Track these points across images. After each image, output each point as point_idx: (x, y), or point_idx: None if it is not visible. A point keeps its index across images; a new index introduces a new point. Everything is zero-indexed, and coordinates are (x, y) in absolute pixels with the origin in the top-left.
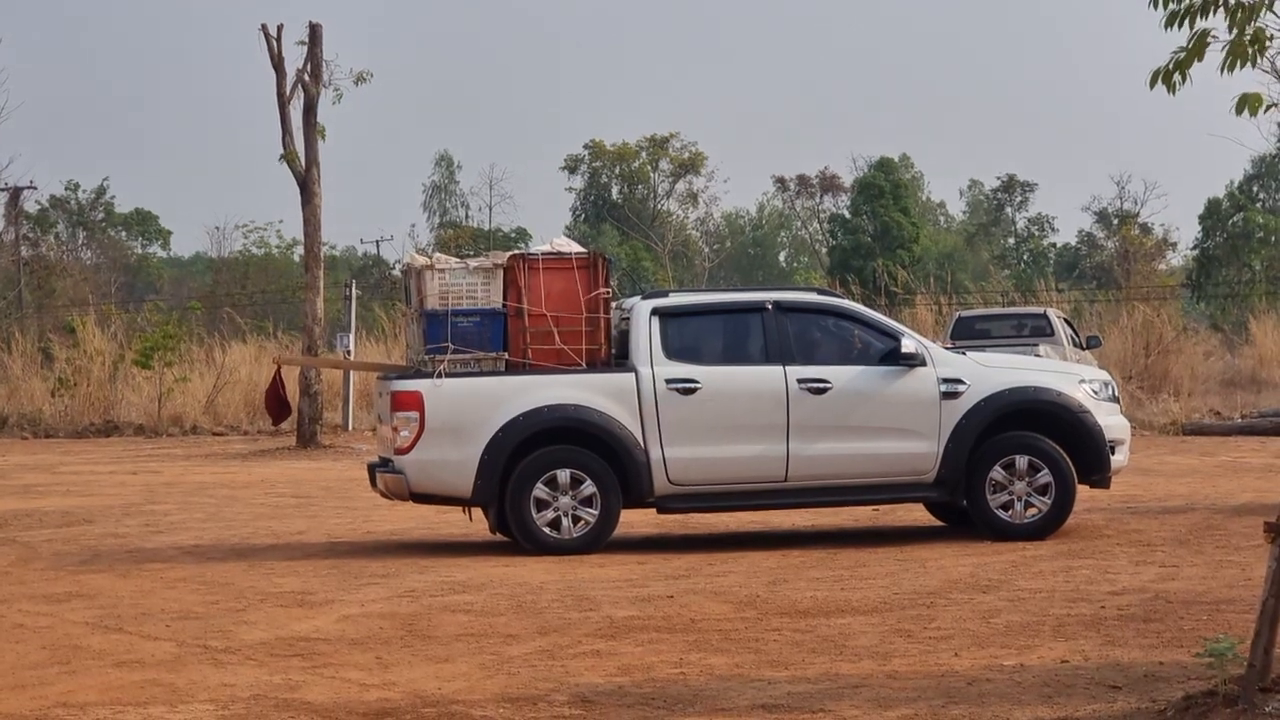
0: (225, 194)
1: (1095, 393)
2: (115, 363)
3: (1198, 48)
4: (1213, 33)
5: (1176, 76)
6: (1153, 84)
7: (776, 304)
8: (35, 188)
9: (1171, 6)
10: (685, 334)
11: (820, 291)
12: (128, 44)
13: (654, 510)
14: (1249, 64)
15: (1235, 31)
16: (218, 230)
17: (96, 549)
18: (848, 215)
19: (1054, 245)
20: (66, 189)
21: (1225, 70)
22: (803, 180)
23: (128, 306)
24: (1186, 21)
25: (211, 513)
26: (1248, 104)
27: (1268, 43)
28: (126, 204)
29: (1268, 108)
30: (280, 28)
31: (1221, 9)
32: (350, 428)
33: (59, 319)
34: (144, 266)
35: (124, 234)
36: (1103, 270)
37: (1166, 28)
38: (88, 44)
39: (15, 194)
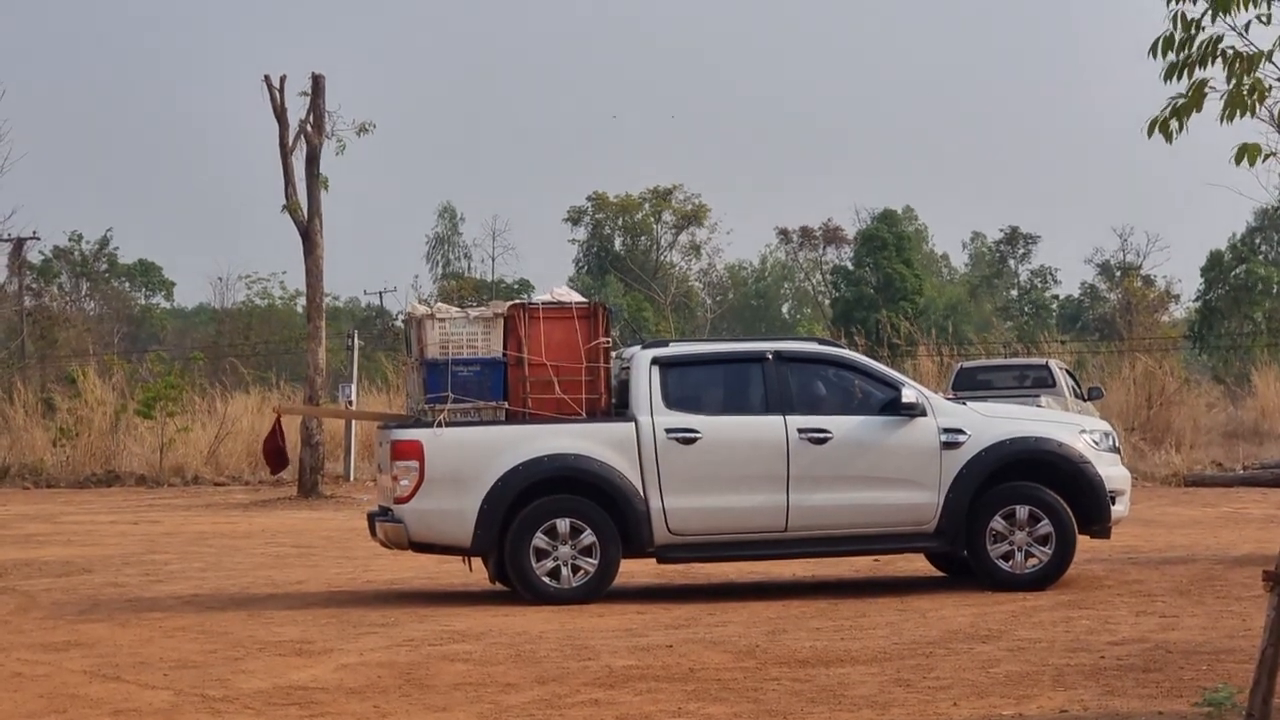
0: (228, 245)
1: (1096, 443)
2: (117, 413)
3: (1196, 98)
4: (1211, 83)
5: (1174, 124)
6: (1150, 132)
7: (777, 354)
8: (39, 238)
9: (1171, 58)
10: (685, 384)
11: (820, 341)
12: (130, 95)
13: (654, 560)
14: (1248, 114)
15: (1234, 82)
16: (221, 281)
17: (96, 598)
18: (850, 267)
19: (1056, 297)
20: (70, 240)
21: (1224, 120)
22: (805, 232)
23: (131, 357)
24: (1185, 72)
25: (211, 562)
26: (1247, 154)
27: (1266, 93)
28: (130, 255)
29: (1266, 157)
30: (283, 79)
31: (1220, 59)
32: (352, 478)
33: (61, 369)
34: (147, 317)
35: (127, 285)
36: (1105, 322)
37: (1166, 79)
38: (90, 95)
39: (19, 245)
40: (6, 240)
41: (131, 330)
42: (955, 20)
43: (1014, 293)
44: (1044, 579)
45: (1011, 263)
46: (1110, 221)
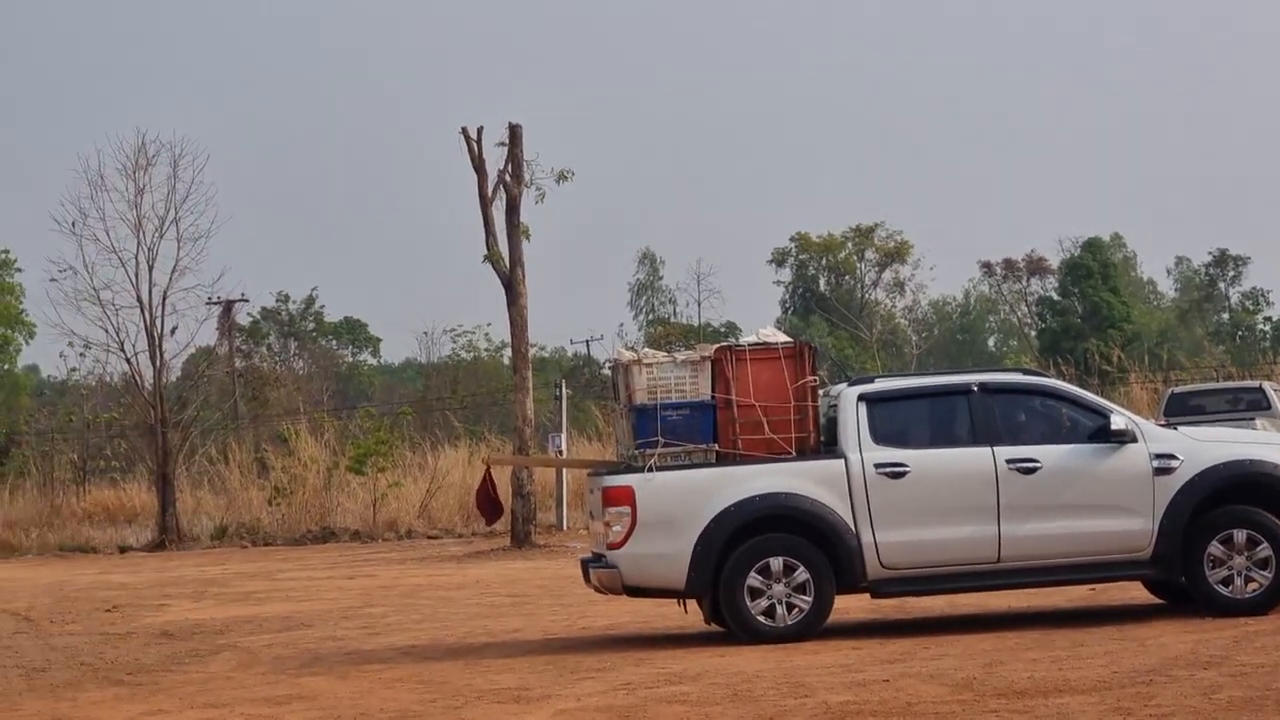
0: (432, 298)
1: None
2: (329, 470)
3: None
4: None
5: None
6: None
7: (982, 385)
8: (247, 300)
9: None
10: (892, 419)
11: (1025, 371)
12: (329, 154)
13: (868, 595)
14: None
15: None
16: (426, 335)
17: (315, 652)
18: (1056, 297)
19: (1270, 319)
20: (277, 300)
21: None
22: (1009, 264)
23: (340, 414)
24: None
25: (427, 614)
26: None
27: None
28: (336, 313)
29: None
30: (480, 130)
31: None
32: (565, 527)
33: (273, 429)
34: (355, 374)
35: (334, 343)
36: None
37: None
38: (290, 157)
39: (228, 307)
40: (216, 303)
41: (340, 388)
42: (1161, 40)
43: (1225, 316)
44: (1265, 603)
45: (1221, 286)
46: None
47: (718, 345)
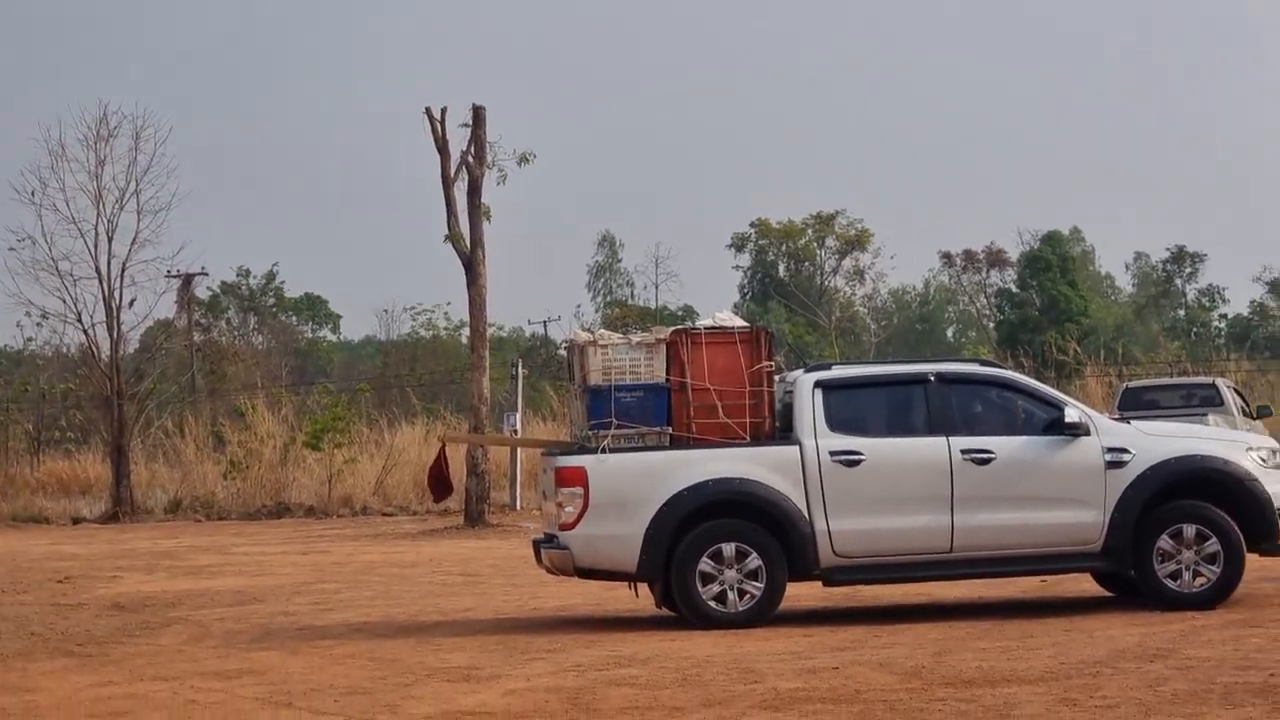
0: (393, 277)
1: (1264, 460)
2: (286, 445)
3: None
4: None
5: None
6: None
7: (939, 375)
8: (207, 274)
9: None
10: (848, 406)
11: (982, 362)
12: (292, 131)
13: (820, 583)
14: None
15: None
16: (386, 313)
17: (267, 627)
18: (1015, 289)
19: (1225, 316)
20: (237, 275)
21: None
22: (969, 255)
23: (298, 390)
24: None
25: (380, 591)
26: None
27: None
28: (296, 289)
29: None
30: (444, 111)
31: None
32: (518, 507)
33: (230, 403)
34: (314, 350)
35: (294, 319)
36: (1275, 340)
37: None
38: (253, 131)
39: (187, 280)
40: (175, 276)
41: (299, 364)
42: (1116, 37)
43: (1181, 312)
44: (1212, 598)
45: (1178, 282)
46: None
47: (673, 328)
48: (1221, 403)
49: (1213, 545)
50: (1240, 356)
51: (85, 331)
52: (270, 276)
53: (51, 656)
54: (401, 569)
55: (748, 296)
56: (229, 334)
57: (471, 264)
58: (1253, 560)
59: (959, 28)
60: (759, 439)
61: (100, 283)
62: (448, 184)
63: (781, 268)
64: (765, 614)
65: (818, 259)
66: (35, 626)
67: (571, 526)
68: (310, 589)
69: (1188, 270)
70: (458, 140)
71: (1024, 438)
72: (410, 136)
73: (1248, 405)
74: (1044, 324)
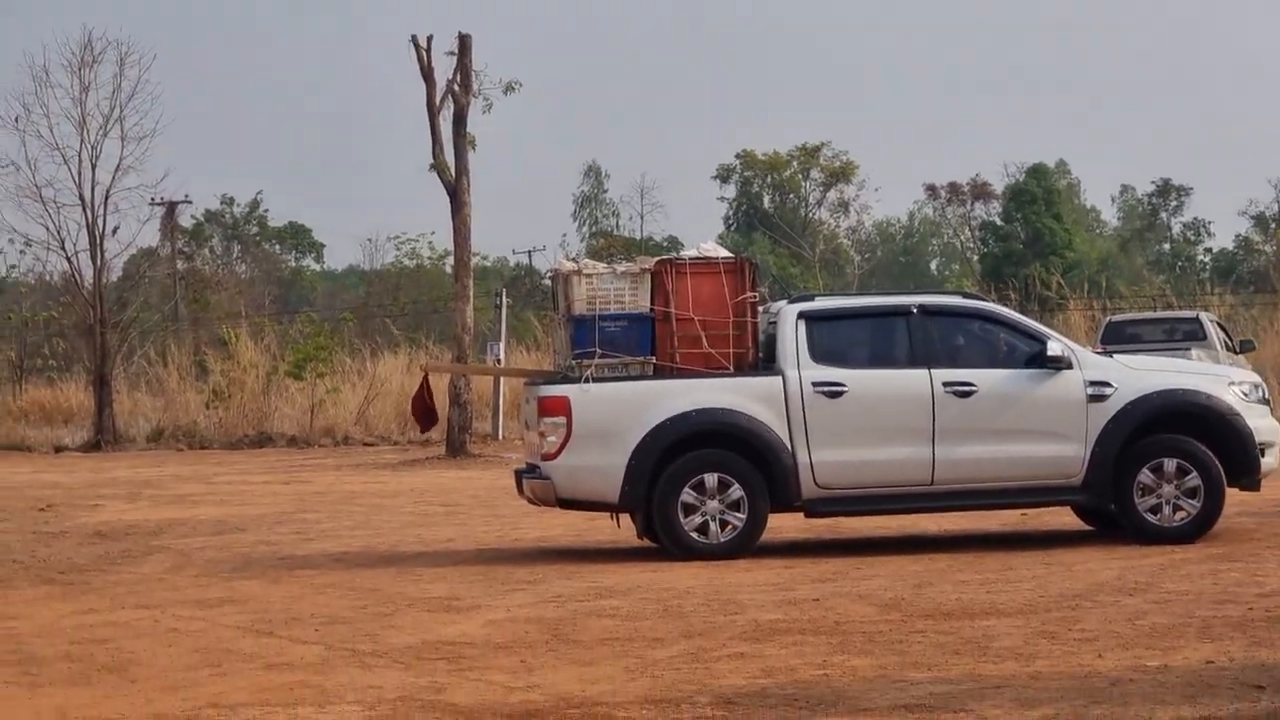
0: (377, 206)
1: (1245, 395)
2: (269, 375)
3: None
4: None
5: None
6: None
7: (922, 307)
8: (190, 202)
9: None
10: (831, 338)
11: (965, 295)
12: (278, 59)
13: (801, 514)
14: None
15: None
16: (370, 242)
17: (248, 556)
18: (999, 222)
19: (1210, 250)
20: (221, 203)
21: None
22: (954, 188)
23: (281, 319)
24: None
25: (361, 521)
26: None
27: None
28: (280, 217)
29: None
30: (430, 39)
31: None
32: (500, 437)
33: (214, 332)
34: (298, 279)
35: (278, 247)
36: (1259, 275)
37: None
38: (238, 59)
39: (171, 208)
40: (159, 204)
41: (282, 293)
42: None
43: (1166, 246)
44: (1192, 532)
45: (1164, 216)
46: (1266, 173)
47: (658, 258)
48: (1204, 337)
49: (1193, 480)
50: (1225, 291)
51: (68, 259)
52: (254, 205)
53: (33, 584)
54: (382, 499)
55: (732, 228)
56: (212, 262)
57: (456, 193)
58: (1232, 495)
59: None
60: (742, 369)
61: (84, 210)
62: (433, 112)
63: (766, 199)
64: (747, 545)
65: (802, 191)
66: (17, 554)
67: (554, 457)
68: (292, 518)
69: (1173, 204)
70: (443, 69)
71: (1006, 371)
72: (396, 65)
73: (1231, 340)
74: (1028, 257)
